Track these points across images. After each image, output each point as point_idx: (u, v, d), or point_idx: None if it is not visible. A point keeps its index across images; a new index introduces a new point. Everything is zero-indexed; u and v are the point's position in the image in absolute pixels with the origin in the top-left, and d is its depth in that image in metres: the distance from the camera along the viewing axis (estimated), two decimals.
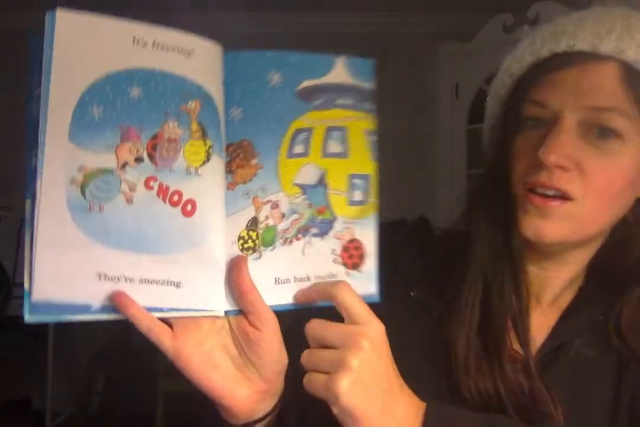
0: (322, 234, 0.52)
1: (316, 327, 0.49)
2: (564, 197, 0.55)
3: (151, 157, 0.47)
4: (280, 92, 0.50)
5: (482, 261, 0.60)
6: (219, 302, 0.51)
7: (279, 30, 3.59)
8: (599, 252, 0.63)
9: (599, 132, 0.54)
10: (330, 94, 0.52)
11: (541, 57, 0.57)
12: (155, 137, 0.46)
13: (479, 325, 0.59)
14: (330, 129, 0.52)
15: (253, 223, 0.50)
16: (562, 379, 0.58)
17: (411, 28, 3.10)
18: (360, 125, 0.53)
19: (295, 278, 0.52)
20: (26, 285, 0.44)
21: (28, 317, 0.46)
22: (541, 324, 0.62)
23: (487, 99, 0.66)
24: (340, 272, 0.53)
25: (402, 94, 2.95)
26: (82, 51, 0.44)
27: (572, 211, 0.55)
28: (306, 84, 0.51)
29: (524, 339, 0.58)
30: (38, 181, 0.43)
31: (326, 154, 0.52)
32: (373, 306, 0.49)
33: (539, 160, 0.54)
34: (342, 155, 0.52)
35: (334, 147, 0.52)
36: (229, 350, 0.52)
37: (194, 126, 0.48)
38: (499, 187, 0.60)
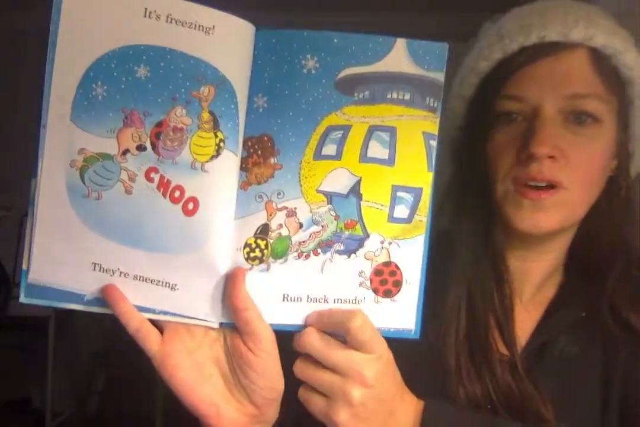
0: (349, 252, 0.45)
1: (317, 346, 0.44)
2: (554, 186, 0.56)
3: (154, 146, 0.43)
4: (315, 80, 0.43)
5: (464, 264, 0.60)
6: (215, 312, 0.46)
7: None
8: (576, 238, 0.64)
9: (576, 118, 0.56)
10: (381, 85, 0.43)
11: (510, 53, 0.58)
12: (160, 124, 0.43)
13: (466, 330, 0.58)
14: (374, 129, 0.44)
15: (263, 230, 0.45)
16: (549, 376, 0.58)
17: (411, 28, 3.10)
18: (416, 127, 0.44)
19: (309, 298, 0.46)
20: (24, 265, 0.44)
21: (23, 298, 0.45)
22: (523, 320, 0.62)
23: (449, 100, 0.65)
24: (367, 298, 0.46)
25: None
26: (89, 23, 0.41)
27: (563, 199, 0.56)
28: (349, 71, 0.43)
29: (510, 339, 0.58)
30: (39, 161, 0.42)
31: (365, 159, 0.44)
32: None
33: (528, 153, 0.54)
34: (387, 162, 0.44)
35: (377, 151, 0.44)
36: (221, 365, 0.48)
37: (205, 115, 0.43)
38: (475, 186, 0.61)
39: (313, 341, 0.45)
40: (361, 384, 0.43)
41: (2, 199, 3.37)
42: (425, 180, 0.45)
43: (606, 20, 0.58)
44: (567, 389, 0.58)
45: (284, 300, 0.46)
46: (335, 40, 0.43)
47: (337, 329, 0.44)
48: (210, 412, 0.47)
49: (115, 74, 0.41)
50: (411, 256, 0.46)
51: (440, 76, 0.44)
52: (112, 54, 0.41)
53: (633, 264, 0.62)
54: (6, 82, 3.39)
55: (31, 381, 3.12)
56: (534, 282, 0.64)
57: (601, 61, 0.56)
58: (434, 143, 0.45)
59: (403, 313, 0.46)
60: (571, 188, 0.56)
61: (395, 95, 0.43)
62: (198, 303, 0.46)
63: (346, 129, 0.44)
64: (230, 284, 0.45)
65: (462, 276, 0.60)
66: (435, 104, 0.44)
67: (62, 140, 0.42)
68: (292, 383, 0.48)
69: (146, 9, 0.41)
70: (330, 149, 0.44)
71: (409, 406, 0.47)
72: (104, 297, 0.44)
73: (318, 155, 0.44)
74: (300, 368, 0.46)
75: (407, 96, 0.44)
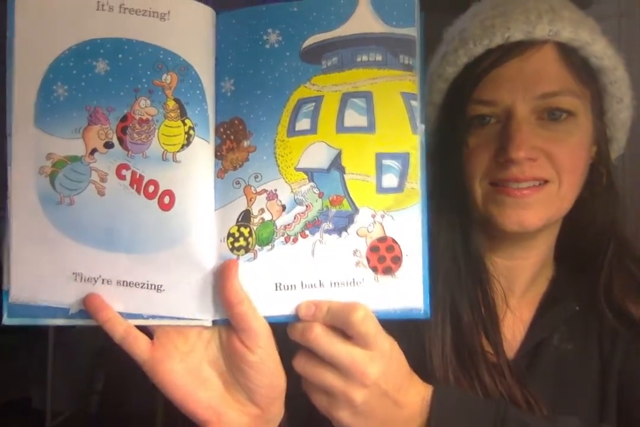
0: (339, 230, 0.42)
1: (320, 341, 0.42)
2: (539, 183, 0.56)
3: (121, 141, 0.42)
4: (279, 54, 0.41)
5: (445, 269, 0.59)
6: (207, 310, 0.44)
7: None
8: (563, 230, 0.63)
9: (550, 115, 0.55)
10: (348, 49, 0.40)
11: (475, 57, 0.57)
12: (124, 118, 0.41)
13: (452, 339, 0.57)
14: (348, 96, 0.41)
15: (245, 217, 0.43)
16: (546, 375, 0.58)
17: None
18: (393, 88, 0.41)
19: (303, 284, 0.43)
20: (4, 285, 0.42)
21: (6, 320, 0.42)
22: (516, 318, 0.61)
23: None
24: (366, 278, 0.42)
25: None
26: (42, 23, 0.40)
27: (549, 193, 0.56)
28: (313, 39, 0.41)
29: (496, 345, 0.57)
30: (8, 170, 0.40)
31: (343, 129, 0.41)
32: None
33: (506, 158, 0.54)
34: (367, 129, 0.41)
35: (355, 119, 0.41)
36: (217, 366, 0.46)
37: (170, 104, 0.41)
38: (452, 190, 0.60)
39: (316, 337, 0.42)
40: (363, 385, 0.41)
41: (2, 199, 3.36)
42: (411, 144, 0.41)
43: (570, 12, 0.57)
44: (563, 385, 0.58)
45: (276, 289, 0.43)
46: (295, 9, 0.41)
47: (338, 324, 0.42)
48: (210, 417, 0.45)
49: (74, 72, 0.40)
50: (408, 228, 0.42)
51: (411, 31, 0.41)
52: (69, 53, 0.40)
53: (625, 252, 0.62)
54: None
55: (31, 381, 3.12)
56: (524, 279, 0.63)
57: (570, 54, 0.56)
58: (415, 103, 0.41)
59: (408, 291, 0.42)
60: (556, 183, 0.56)
61: (365, 58, 0.40)
62: (187, 302, 0.44)
63: (318, 100, 0.41)
64: (221, 277, 0.42)
65: (444, 281, 0.59)
66: (411, 62, 0.41)
67: (28, 147, 0.40)
68: (297, 377, 0.46)
69: (98, 2, 0.40)
70: (304, 123, 0.41)
71: (417, 394, 0.46)
72: (86, 307, 0.42)
73: (292, 132, 0.41)
74: (301, 364, 0.44)
75: (379, 57, 0.40)
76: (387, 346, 0.43)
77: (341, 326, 0.42)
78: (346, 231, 0.42)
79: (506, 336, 0.60)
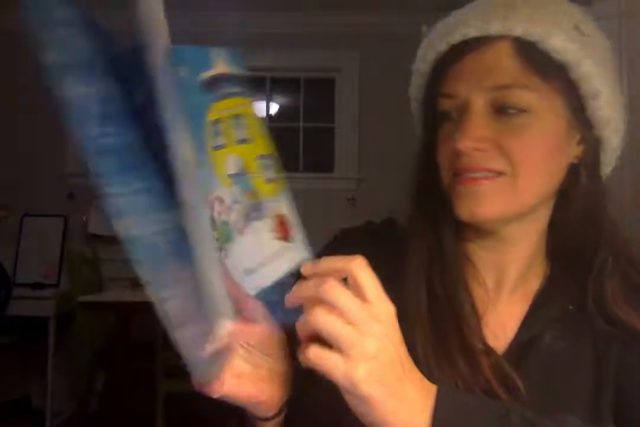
0: (259, 216, 0.54)
1: (329, 289, 0.43)
2: (493, 173, 0.57)
3: None
4: (189, 85, 0.51)
5: (420, 261, 0.61)
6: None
7: (279, 30, 3.59)
8: (553, 229, 0.63)
9: (506, 109, 0.56)
10: (224, 83, 0.54)
11: (441, 52, 0.59)
12: None
13: (431, 328, 0.58)
14: (235, 118, 0.55)
15: (212, 223, 0.51)
16: (536, 372, 0.58)
17: (412, 28, 3.09)
18: (251, 110, 0.56)
19: (258, 264, 0.53)
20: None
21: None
22: (509, 313, 0.62)
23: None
24: (282, 246, 0.55)
25: (405, 93, 2.94)
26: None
27: (503, 185, 0.56)
28: (205, 75, 0.53)
29: (474, 337, 0.58)
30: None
31: (238, 142, 0.54)
32: None
33: (454, 147, 0.56)
34: (249, 140, 0.55)
35: (242, 133, 0.55)
36: (240, 353, 0.51)
37: None
38: (427, 183, 0.62)
39: (331, 287, 0.43)
40: (373, 334, 0.43)
41: (2, 199, 3.37)
42: (272, 147, 0.57)
43: (528, 8, 0.57)
44: (555, 384, 0.58)
45: (246, 275, 0.52)
46: (189, 51, 0.52)
47: (338, 273, 0.45)
48: (255, 396, 0.51)
49: None
50: (287, 204, 0.56)
51: (246, 72, 0.56)
52: None
53: (620, 256, 0.61)
54: (7, 83, 3.39)
55: (31, 381, 3.12)
56: (512, 273, 0.63)
57: (527, 49, 0.56)
58: (261, 119, 0.57)
59: (301, 248, 0.56)
60: (512, 175, 0.56)
61: (234, 90, 0.55)
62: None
63: (221, 121, 0.53)
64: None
65: (418, 272, 0.60)
66: (251, 93, 0.56)
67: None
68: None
69: None
70: (219, 140, 0.53)
71: (421, 387, 0.46)
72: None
73: (214, 147, 0.52)
74: (313, 317, 0.44)
75: (239, 89, 0.55)
76: (390, 306, 0.45)
77: (341, 272, 0.45)
78: (263, 215, 0.55)
79: (497, 331, 0.60)
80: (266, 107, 3.80)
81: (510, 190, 0.57)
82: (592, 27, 0.59)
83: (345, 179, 3.65)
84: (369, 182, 3.56)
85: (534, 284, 0.64)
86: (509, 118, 0.56)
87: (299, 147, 3.75)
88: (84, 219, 3.34)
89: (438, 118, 0.60)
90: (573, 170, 0.61)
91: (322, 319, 0.43)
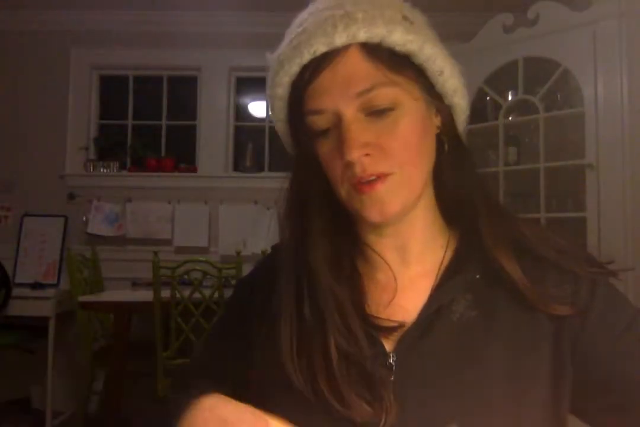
0: None
1: None
2: (383, 175, 0.59)
3: None
4: None
5: (322, 270, 0.63)
6: None
7: (279, 30, 3.59)
8: (438, 195, 0.67)
9: (376, 110, 0.59)
10: None
11: (295, 74, 0.61)
12: None
13: (297, 327, 0.61)
14: None
15: None
16: (446, 341, 0.60)
17: None
18: None
19: None
20: None
21: None
22: (421, 287, 0.64)
23: (276, 123, 0.68)
24: None
25: None
26: None
27: (396, 182, 0.59)
28: None
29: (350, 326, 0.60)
30: None
31: None
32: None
33: (344, 159, 0.58)
34: None
35: None
36: None
37: None
38: (318, 193, 0.64)
39: None
40: None
41: (2, 199, 3.37)
42: None
43: (363, 11, 0.59)
44: (468, 349, 0.59)
45: None
46: None
47: None
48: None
49: None
50: None
51: None
52: None
53: (491, 207, 0.65)
54: (6, 83, 3.39)
55: (31, 381, 3.13)
56: (414, 248, 0.66)
57: (375, 51, 0.59)
58: None
59: None
60: (400, 171, 0.59)
61: None
62: None
63: None
64: None
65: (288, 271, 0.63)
66: None
67: None
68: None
69: None
70: None
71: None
72: None
73: None
74: None
75: None
76: None
77: None
78: None
79: (407, 306, 0.63)
80: (266, 107, 3.80)
81: (404, 184, 0.60)
82: (411, 10, 0.63)
83: None
84: None
85: (441, 255, 0.66)
86: (381, 118, 0.59)
87: None
88: (84, 219, 3.34)
89: (313, 136, 0.62)
90: (437, 140, 0.65)
91: None
